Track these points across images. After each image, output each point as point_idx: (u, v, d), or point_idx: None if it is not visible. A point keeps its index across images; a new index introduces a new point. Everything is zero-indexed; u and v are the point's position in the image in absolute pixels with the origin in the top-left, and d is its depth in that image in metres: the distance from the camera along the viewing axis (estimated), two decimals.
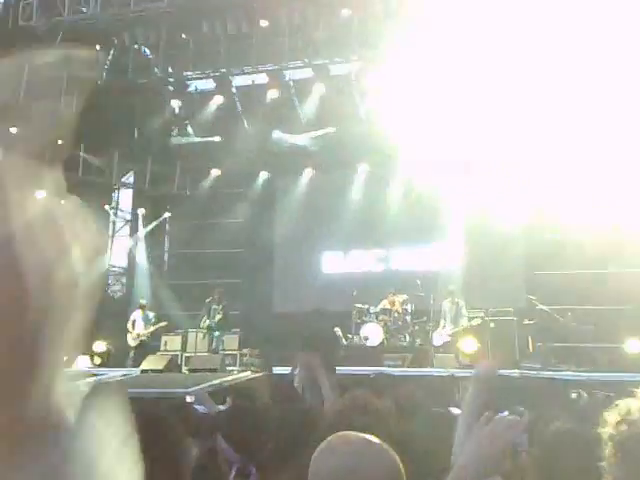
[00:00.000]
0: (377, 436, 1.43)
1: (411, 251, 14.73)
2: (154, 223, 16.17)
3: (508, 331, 11.39)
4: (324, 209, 15.16)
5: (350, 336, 12.42)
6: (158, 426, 1.67)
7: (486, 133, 12.65)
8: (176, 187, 16.36)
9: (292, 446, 2.18)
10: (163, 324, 13.05)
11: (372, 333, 11.98)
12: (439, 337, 11.75)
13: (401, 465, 1.37)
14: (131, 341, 12.76)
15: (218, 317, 12.35)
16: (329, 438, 1.42)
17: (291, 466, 1.89)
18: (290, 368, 5.90)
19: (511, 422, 1.52)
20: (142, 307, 13.08)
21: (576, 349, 11.38)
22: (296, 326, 10.42)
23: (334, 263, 15.37)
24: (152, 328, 12.91)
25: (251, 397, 4.09)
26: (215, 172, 16.01)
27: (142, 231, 16.22)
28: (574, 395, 6.64)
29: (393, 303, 12.48)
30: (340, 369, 9.48)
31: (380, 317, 12.28)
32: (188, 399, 5.87)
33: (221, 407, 4.46)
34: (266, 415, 2.65)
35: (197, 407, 4.55)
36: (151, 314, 13.12)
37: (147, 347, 12.79)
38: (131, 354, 12.59)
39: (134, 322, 12.90)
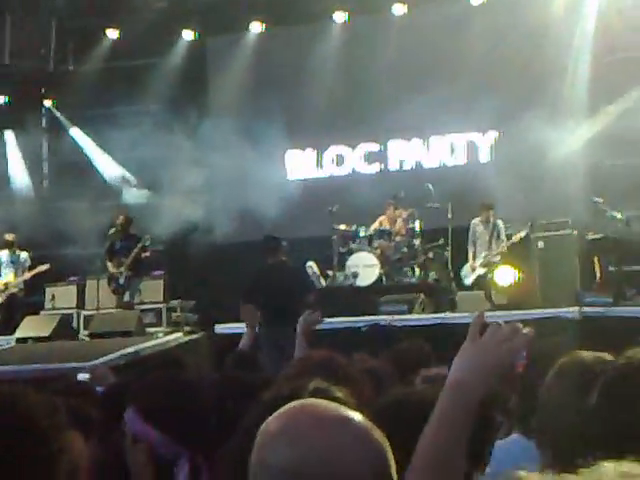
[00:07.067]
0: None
1: (417, 142, 14.76)
2: None
3: (564, 252, 11.50)
4: (283, 84, 15.05)
5: (330, 273, 12.60)
6: (25, 419, 1.70)
7: None
8: (53, 60, 16.09)
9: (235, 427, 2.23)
10: (43, 268, 13.15)
11: (363, 267, 12.10)
12: (469, 273, 11.86)
13: (390, 452, 1.38)
14: None
15: (125, 260, 12.37)
16: (281, 411, 1.40)
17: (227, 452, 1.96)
18: (246, 325, 5.94)
19: (515, 328, 1.82)
20: (8, 244, 13.08)
21: None
22: (248, 263, 10.47)
23: (302, 166, 15.46)
24: (27, 275, 13.03)
25: (182, 366, 4.18)
26: (111, 34, 15.83)
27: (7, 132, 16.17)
28: None
29: (394, 221, 12.62)
30: None
31: (375, 242, 12.41)
32: (81, 377, 6.04)
33: None
34: (204, 386, 2.76)
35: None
36: (23, 255, 13.20)
37: (21, 304, 12.97)
38: None
39: None
